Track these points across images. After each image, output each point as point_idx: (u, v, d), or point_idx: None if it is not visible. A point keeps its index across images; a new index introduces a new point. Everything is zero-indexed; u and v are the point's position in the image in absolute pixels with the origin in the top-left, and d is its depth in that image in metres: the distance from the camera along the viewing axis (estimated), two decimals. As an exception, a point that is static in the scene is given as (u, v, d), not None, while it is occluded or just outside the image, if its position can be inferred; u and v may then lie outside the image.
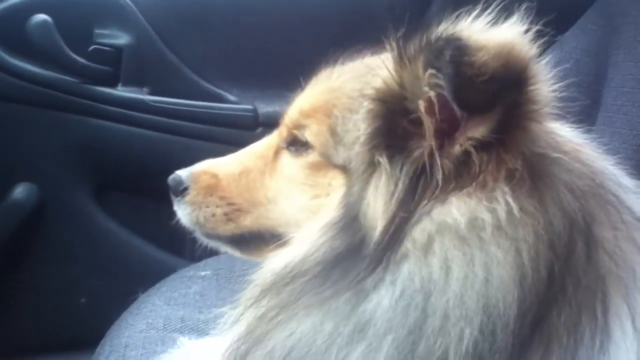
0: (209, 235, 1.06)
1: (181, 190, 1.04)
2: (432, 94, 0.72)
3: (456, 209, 0.72)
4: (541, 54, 0.76)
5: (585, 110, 1.59)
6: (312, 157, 0.92)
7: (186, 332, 1.33)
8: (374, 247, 0.74)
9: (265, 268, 0.88)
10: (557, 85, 0.78)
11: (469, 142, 0.72)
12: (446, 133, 0.74)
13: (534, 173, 0.73)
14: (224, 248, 1.08)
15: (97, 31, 2.07)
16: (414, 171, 0.75)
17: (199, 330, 1.30)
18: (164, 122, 2.12)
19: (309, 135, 0.92)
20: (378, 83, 0.80)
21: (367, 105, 0.82)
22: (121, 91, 2.11)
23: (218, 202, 1.02)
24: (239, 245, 1.05)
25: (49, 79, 2.04)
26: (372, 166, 0.80)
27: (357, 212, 0.79)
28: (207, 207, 1.02)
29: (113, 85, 2.11)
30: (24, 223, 2.10)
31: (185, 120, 2.13)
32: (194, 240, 1.10)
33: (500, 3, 0.76)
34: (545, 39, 0.76)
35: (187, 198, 1.03)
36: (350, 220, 0.80)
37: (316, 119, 0.92)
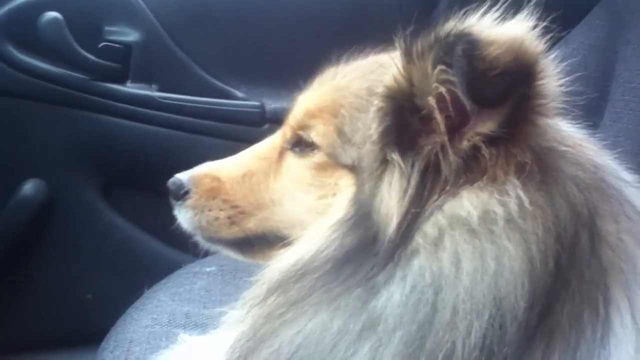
0: (211, 239, 1.04)
1: (182, 194, 1.02)
2: (443, 89, 0.72)
3: (468, 202, 0.72)
4: (549, 50, 0.77)
5: (592, 106, 1.59)
6: (318, 157, 0.92)
7: (191, 327, 1.34)
8: (388, 243, 0.75)
9: (272, 266, 0.88)
10: (564, 80, 0.78)
11: (478, 137, 0.73)
12: (456, 129, 0.74)
13: (543, 166, 0.74)
14: (226, 252, 1.06)
15: (106, 28, 2.09)
16: (425, 167, 0.76)
17: (204, 326, 1.31)
18: (172, 119, 2.13)
19: (314, 135, 0.92)
20: (388, 81, 0.81)
21: (377, 103, 0.82)
22: (130, 88, 2.12)
23: (221, 206, 1.00)
24: (242, 248, 1.03)
25: (59, 75, 2.06)
26: (384, 164, 0.80)
27: (370, 209, 0.79)
28: (210, 210, 1.00)
29: (122, 82, 2.12)
30: (33, 219, 2.12)
31: (193, 116, 2.14)
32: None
33: (507, 0, 0.77)
34: (552, 35, 0.77)
35: (189, 202, 1.02)
36: (362, 217, 0.80)
37: (322, 119, 0.91)
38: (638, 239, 0.75)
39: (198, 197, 1.01)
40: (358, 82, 0.91)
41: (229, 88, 2.18)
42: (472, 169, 0.74)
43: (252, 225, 1.00)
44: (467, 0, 0.78)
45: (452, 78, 0.70)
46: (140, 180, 2.18)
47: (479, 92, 0.69)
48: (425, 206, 0.75)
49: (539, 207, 0.71)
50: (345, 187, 0.88)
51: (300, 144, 0.95)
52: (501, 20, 0.74)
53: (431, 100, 0.74)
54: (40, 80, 2.05)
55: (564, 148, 0.79)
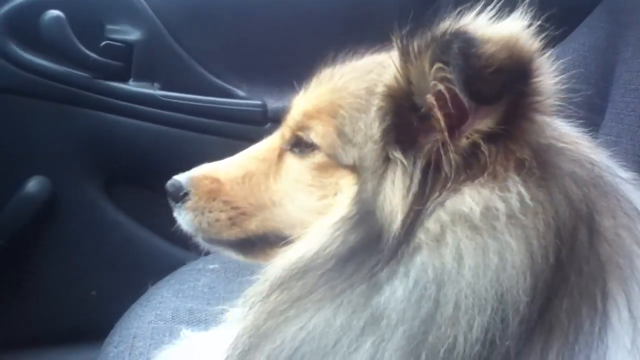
0: (212, 241, 1.05)
1: (181, 195, 1.02)
2: (441, 87, 0.74)
3: (470, 198, 0.73)
4: (550, 51, 0.78)
5: (593, 107, 1.60)
6: (318, 158, 0.92)
7: (194, 324, 1.35)
8: (392, 240, 0.76)
9: (275, 264, 0.88)
10: (560, 78, 0.79)
11: (477, 134, 0.74)
12: (454, 126, 0.75)
13: (541, 163, 0.75)
14: (227, 253, 1.07)
15: (108, 27, 2.09)
16: (426, 165, 0.77)
17: (207, 322, 1.32)
18: (174, 117, 2.13)
19: (314, 136, 0.92)
20: (387, 80, 0.82)
21: (377, 102, 0.84)
22: (132, 86, 2.13)
23: (222, 207, 1.00)
24: (243, 249, 1.04)
25: (62, 73, 2.06)
26: (386, 162, 0.81)
27: (373, 207, 0.80)
28: (211, 212, 1.00)
29: (124, 80, 2.12)
30: (36, 215, 2.12)
31: (194, 115, 2.14)
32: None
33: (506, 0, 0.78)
34: (554, 35, 0.78)
35: (189, 204, 1.01)
36: (365, 215, 0.81)
37: (321, 120, 0.92)
38: (635, 235, 0.76)
39: (198, 198, 1.01)
40: (356, 82, 0.92)
41: (230, 87, 2.18)
42: (472, 166, 0.75)
43: (253, 226, 1.00)
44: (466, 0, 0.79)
45: (450, 76, 0.71)
46: (143, 178, 2.18)
47: (476, 89, 0.70)
48: (427, 203, 0.76)
49: (540, 203, 0.72)
50: (346, 187, 0.88)
51: (300, 145, 0.96)
52: (497, 19, 0.75)
53: (430, 98, 0.76)
54: (42, 78, 2.05)
55: (561, 145, 0.80)
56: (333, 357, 0.72)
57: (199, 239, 1.06)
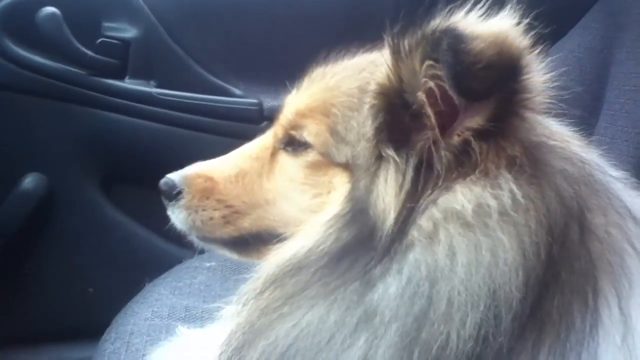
0: (206, 239, 1.05)
1: (175, 194, 1.02)
2: (431, 84, 0.74)
3: (462, 196, 0.74)
4: (544, 51, 0.79)
5: (587, 108, 1.61)
6: (311, 156, 0.93)
7: (190, 321, 1.35)
8: (385, 237, 0.76)
9: (268, 261, 0.89)
10: (550, 75, 0.80)
11: (468, 132, 0.75)
12: (445, 124, 0.76)
13: (533, 160, 0.76)
14: (221, 251, 1.07)
15: (105, 24, 2.09)
16: (418, 162, 0.78)
17: (203, 319, 1.32)
18: (170, 115, 2.13)
19: (307, 135, 0.93)
20: (379, 78, 0.82)
21: (370, 100, 0.84)
22: (128, 84, 2.12)
23: (215, 205, 1.00)
24: (237, 247, 1.04)
25: (58, 70, 2.06)
26: (379, 160, 0.82)
27: (366, 205, 0.81)
28: (204, 210, 1.01)
29: (120, 77, 2.12)
30: (33, 213, 2.11)
31: (191, 113, 2.14)
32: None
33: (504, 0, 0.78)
34: (548, 35, 0.79)
35: (182, 202, 1.02)
36: (358, 213, 0.81)
37: (314, 119, 0.92)
38: (625, 232, 0.76)
39: (191, 197, 1.01)
40: (348, 81, 0.92)
41: (227, 85, 2.18)
42: (464, 164, 0.76)
43: (247, 224, 1.00)
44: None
45: (440, 73, 0.72)
46: (139, 175, 2.17)
47: (466, 85, 0.70)
48: (419, 201, 0.76)
49: (531, 200, 0.72)
50: (339, 185, 0.89)
51: (293, 144, 0.96)
52: (487, 17, 0.76)
53: (421, 96, 0.76)
54: (38, 75, 2.05)
55: (552, 143, 0.81)
56: (327, 353, 0.72)
57: (193, 238, 1.06)
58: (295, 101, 0.99)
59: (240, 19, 2.19)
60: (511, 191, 0.73)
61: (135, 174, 2.20)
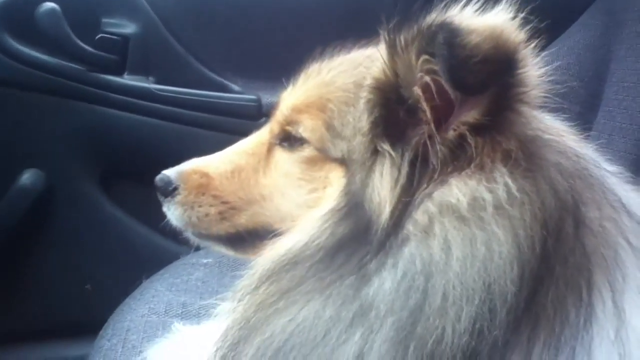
0: (202, 235, 1.04)
1: (170, 190, 1.02)
2: (427, 78, 0.74)
3: (457, 190, 0.74)
4: (543, 48, 0.79)
5: (586, 103, 1.61)
6: (307, 151, 0.93)
7: (187, 317, 1.35)
8: (380, 231, 0.76)
9: (264, 256, 0.89)
10: (546, 69, 0.80)
11: (464, 126, 0.75)
12: (441, 118, 0.76)
13: (528, 154, 0.76)
14: (217, 248, 1.06)
15: (104, 20, 2.09)
16: (414, 157, 0.78)
17: (200, 316, 1.32)
18: (169, 111, 2.13)
19: (303, 131, 0.93)
20: (375, 73, 0.82)
21: (366, 95, 0.84)
22: (127, 79, 2.12)
23: (211, 202, 1.00)
24: (233, 243, 1.03)
25: (57, 66, 2.06)
26: (375, 154, 0.82)
27: (362, 199, 0.81)
28: (200, 206, 1.00)
29: (119, 73, 2.12)
30: (31, 209, 2.12)
31: (189, 109, 2.14)
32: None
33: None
34: (547, 33, 0.79)
35: (178, 198, 1.01)
36: (354, 207, 0.81)
37: (309, 114, 0.92)
38: (619, 227, 0.76)
39: (187, 193, 1.01)
40: (344, 76, 0.92)
41: (225, 81, 2.19)
42: (459, 158, 0.76)
43: (243, 220, 1.00)
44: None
45: (436, 67, 0.72)
46: (137, 171, 2.15)
47: (461, 79, 0.70)
48: (415, 195, 0.76)
49: (526, 194, 0.72)
50: (335, 180, 0.89)
51: (289, 139, 0.96)
52: (483, 11, 0.76)
53: (416, 90, 0.76)
54: (38, 71, 2.05)
55: (547, 137, 0.81)
56: (322, 348, 0.72)
57: (189, 234, 1.06)
58: (291, 97, 0.99)
59: (238, 15, 2.20)
60: (506, 185, 0.73)
61: (134, 170, 2.20)
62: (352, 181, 0.84)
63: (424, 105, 0.76)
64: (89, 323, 1.55)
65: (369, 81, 0.84)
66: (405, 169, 0.78)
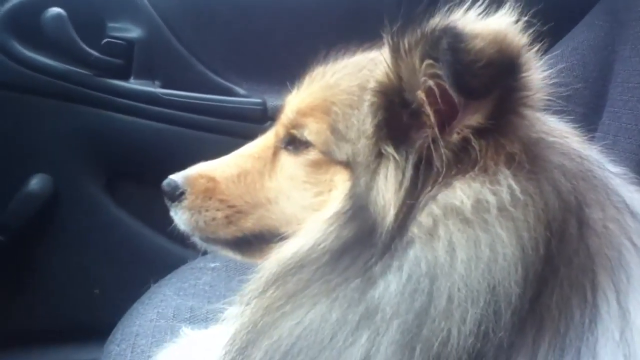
0: (209, 240, 1.05)
1: (177, 195, 1.02)
2: (431, 82, 0.75)
3: (461, 192, 0.74)
4: (544, 48, 0.79)
5: (590, 104, 1.60)
6: (312, 155, 0.93)
7: (195, 321, 1.35)
8: (385, 234, 0.76)
9: (271, 259, 0.89)
10: (549, 73, 0.80)
11: (467, 129, 0.75)
12: (445, 122, 0.76)
13: (531, 156, 0.76)
14: (224, 252, 1.07)
15: (109, 25, 2.10)
16: (418, 160, 0.78)
17: (208, 320, 1.32)
18: (175, 115, 2.14)
19: (308, 134, 0.93)
20: (378, 76, 0.83)
21: (369, 98, 0.85)
22: (133, 84, 2.13)
23: (218, 206, 1.00)
24: (240, 247, 1.04)
25: (63, 71, 2.07)
26: (379, 157, 0.82)
27: (366, 202, 0.81)
28: (207, 211, 1.01)
29: (125, 78, 2.13)
30: (39, 213, 2.13)
31: (195, 113, 2.15)
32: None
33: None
34: (551, 33, 0.79)
35: (185, 203, 1.02)
36: (359, 209, 0.82)
37: (314, 118, 0.93)
38: (623, 227, 0.77)
39: (194, 197, 1.02)
40: (348, 79, 0.93)
41: (231, 85, 2.19)
42: (463, 161, 0.76)
43: (249, 224, 1.00)
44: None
45: (440, 71, 0.72)
46: (144, 175, 2.18)
47: (465, 84, 0.71)
48: (419, 197, 0.77)
49: (530, 196, 0.73)
50: (341, 183, 0.89)
51: (294, 143, 0.96)
52: (486, 15, 0.76)
53: (420, 94, 0.77)
54: (44, 76, 2.06)
55: (551, 139, 0.81)
56: (329, 351, 0.73)
57: (196, 238, 1.06)
58: (296, 100, 0.99)
59: (243, 18, 2.20)
60: (510, 187, 0.73)
61: (140, 174, 2.21)
62: (356, 184, 0.84)
63: (428, 109, 0.77)
64: (97, 327, 1.56)
65: (372, 84, 0.84)
66: (409, 171, 0.78)
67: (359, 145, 0.86)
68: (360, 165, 0.85)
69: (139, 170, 2.21)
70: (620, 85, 1.57)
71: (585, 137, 0.91)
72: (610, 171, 0.84)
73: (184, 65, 2.16)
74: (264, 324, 0.80)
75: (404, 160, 0.79)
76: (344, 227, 0.82)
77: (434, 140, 0.77)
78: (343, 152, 0.89)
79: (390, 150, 0.81)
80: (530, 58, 0.76)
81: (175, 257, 1.93)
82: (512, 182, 0.73)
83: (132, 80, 2.14)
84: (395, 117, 0.81)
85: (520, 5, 0.77)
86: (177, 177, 1.04)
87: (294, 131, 0.96)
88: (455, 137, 0.76)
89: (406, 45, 0.77)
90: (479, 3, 0.77)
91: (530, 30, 0.76)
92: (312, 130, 0.93)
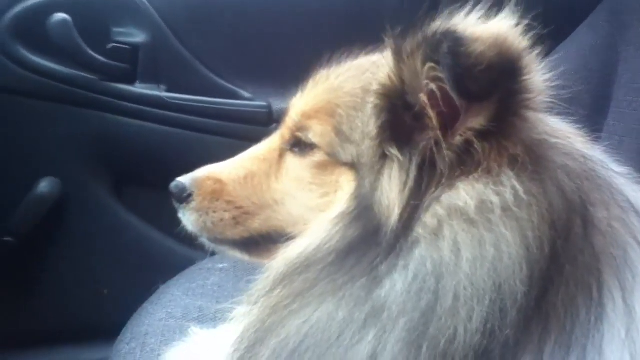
0: (217, 240, 1.06)
1: (185, 196, 1.04)
2: (433, 86, 0.76)
3: (465, 193, 0.75)
4: (546, 51, 0.80)
5: (594, 106, 1.61)
6: (318, 157, 0.94)
7: (204, 321, 1.36)
8: (390, 234, 0.77)
9: (277, 259, 0.90)
10: (551, 75, 0.81)
11: (470, 132, 0.76)
12: (447, 124, 0.77)
13: (535, 158, 0.77)
14: (231, 253, 1.08)
15: (114, 30, 2.10)
16: (421, 161, 0.79)
17: (216, 319, 1.32)
18: (180, 118, 2.15)
19: (313, 136, 0.94)
20: (381, 79, 0.84)
21: (373, 100, 0.86)
22: (138, 88, 2.14)
23: (225, 207, 1.02)
24: (247, 248, 1.05)
25: (69, 76, 2.08)
26: (383, 158, 0.83)
27: (371, 202, 0.82)
28: (215, 212, 1.02)
29: (130, 82, 2.14)
30: (48, 216, 2.14)
31: (200, 116, 2.15)
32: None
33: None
34: (553, 35, 0.80)
35: (193, 205, 1.03)
36: (364, 210, 0.83)
37: (319, 120, 0.94)
38: (628, 226, 0.77)
39: (202, 199, 1.03)
40: (352, 81, 0.94)
41: (236, 88, 2.19)
42: (466, 163, 0.77)
43: (256, 224, 1.02)
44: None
45: (441, 74, 0.73)
46: (151, 178, 2.19)
47: (466, 87, 0.72)
48: (424, 198, 0.78)
49: (534, 196, 0.74)
50: (346, 184, 0.90)
51: (300, 145, 0.97)
52: (487, 18, 0.77)
53: (422, 97, 0.78)
54: (50, 81, 2.07)
55: (554, 140, 0.82)
56: (337, 349, 0.74)
57: (204, 239, 1.08)
58: (301, 103, 1.00)
59: (248, 22, 2.20)
60: (513, 187, 0.74)
61: (147, 177, 2.22)
62: (361, 185, 0.85)
63: (430, 112, 0.78)
64: (106, 327, 1.56)
65: (375, 87, 0.85)
66: (413, 172, 0.79)
67: (363, 147, 0.87)
68: (365, 167, 0.86)
69: (145, 172, 2.22)
70: (624, 86, 1.57)
71: (590, 138, 0.92)
72: (614, 171, 0.85)
73: (189, 69, 2.17)
74: (272, 323, 0.81)
75: (408, 162, 0.80)
76: (349, 227, 0.83)
77: (437, 143, 0.78)
78: (348, 153, 0.90)
79: (394, 151, 0.82)
80: (532, 61, 0.77)
81: (183, 258, 1.94)
82: (516, 183, 0.74)
83: (137, 84, 2.15)
84: (399, 119, 0.82)
85: (521, 8, 0.77)
86: (184, 179, 1.06)
87: (299, 134, 0.97)
88: (457, 140, 0.77)
89: (408, 49, 0.78)
90: (480, 6, 0.78)
91: (532, 33, 0.76)
92: (316, 133, 0.94)
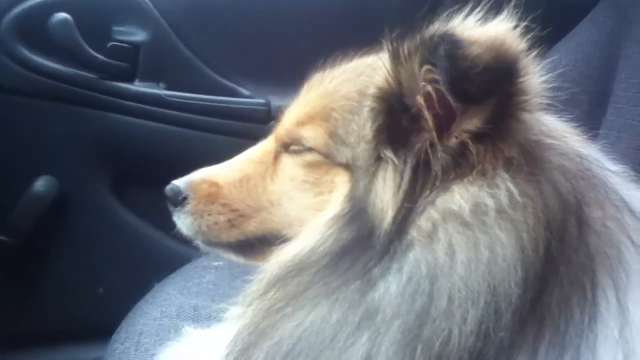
0: (212, 243, 1.06)
1: (180, 200, 1.03)
2: (429, 88, 0.75)
3: (459, 196, 0.75)
4: (542, 53, 0.80)
5: (595, 101, 1.60)
6: (313, 156, 0.94)
7: (199, 320, 1.36)
8: (383, 236, 0.77)
9: (271, 261, 0.90)
10: (548, 76, 0.80)
11: (465, 134, 0.76)
12: (443, 126, 0.77)
13: (530, 159, 0.77)
14: (227, 255, 1.08)
15: (115, 28, 2.11)
16: (416, 163, 0.79)
17: (211, 319, 1.32)
18: (180, 116, 2.15)
19: (307, 139, 0.94)
20: (378, 82, 0.84)
21: (369, 103, 0.85)
22: (138, 86, 2.14)
23: (221, 210, 1.01)
24: (243, 250, 1.05)
25: (69, 75, 2.09)
26: (378, 161, 0.83)
27: (365, 204, 0.82)
28: (210, 215, 1.01)
29: (130, 80, 2.14)
30: (45, 214, 2.14)
31: (200, 114, 2.16)
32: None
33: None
34: (553, 32, 0.79)
35: (188, 208, 1.03)
36: (358, 212, 0.82)
37: (314, 124, 0.94)
38: (622, 226, 0.77)
39: (197, 202, 1.02)
40: (347, 85, 0.93)
41: (235, 86, 2.19)
42: (461, 165, 0.77)
43: (252, 227, 1.01)
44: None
45: (438, 77, 0.73)
46: (149, 176, 2.17)
47: (462, 89, 0.72)
48: (418, 201, 0.77)
49: (529, 198, 0.73)
50: (341, 184, 0.90)
51: (295, 146, 0.97)
52: (485, 20, 0.77)
53: (419, 99, 0.77)
54: (50, 80, 2.08)
55: (550, 140, 0.81)
56: (330, 352, 0.73)
57: (199, 242, 1.07)
58: (295, 109, 1.00)
59: (247, 20, 2.20)
60: (508, 190, 0.73)
61: (145, 175, 2.22)
62: (356, 187, 0.85)
63: (426, 114, 0.77)
64: (102, 326, 1.56)
65: (372, 90, 0.85)
66: (407, 175, 0.79)
67: (358, 150, 0.87)
68: (360, 169, 0.85)
69: (144, 171, 2.22)
70: (624, 82, 1.57)
71: (589, 134, 0.91)
72: (609, 170, 0.84)
73: (189, 67, 2.17)
74: (266, 326, 0.81)
75: (403, 164, 0.80)
76: (343, 229, 0.82)
77: (432, 145, 0.78)
78: (343, 155, 0.90)
79: (389, 154, 0.81)
80: (529, 63, 0.76)
81: (180, 256, 1.94)
82: (511, 185, 0.74)
83: (137, 82, 2.15)
84: (395, 121, 0.82)
85: (520, 10, 0.77)
86: (179, 183, 1.05)
87: (295, 137, 0.97)
88: (453, 142, 0.76)
89: (406, 51, 0.78)
90: (478, 9, 0.78)
91: (530, 35, 0.76)
92: (311, 136, 0.94)
